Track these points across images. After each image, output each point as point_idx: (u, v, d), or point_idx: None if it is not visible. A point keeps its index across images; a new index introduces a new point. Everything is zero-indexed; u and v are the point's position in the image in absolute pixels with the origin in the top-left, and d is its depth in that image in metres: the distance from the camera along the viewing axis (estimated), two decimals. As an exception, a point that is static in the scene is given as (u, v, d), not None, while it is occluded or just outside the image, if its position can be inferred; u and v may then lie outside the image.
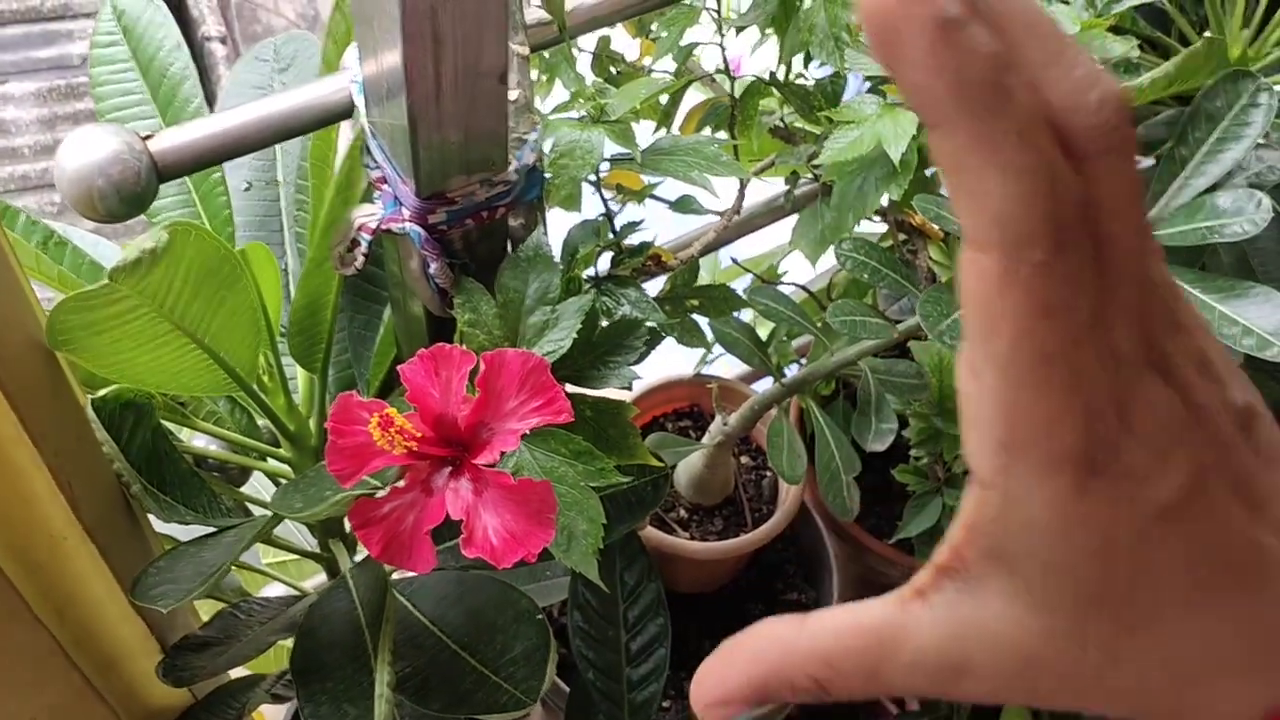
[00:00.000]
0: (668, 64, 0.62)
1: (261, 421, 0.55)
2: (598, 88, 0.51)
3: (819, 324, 0.64)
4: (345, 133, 0.49)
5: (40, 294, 0.41)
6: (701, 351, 0.82)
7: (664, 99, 0.66)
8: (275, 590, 0.65)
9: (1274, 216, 0.48)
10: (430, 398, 0.36)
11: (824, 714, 0.85)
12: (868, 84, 0.60)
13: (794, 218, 0.70)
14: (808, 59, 0.61)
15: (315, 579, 0.67)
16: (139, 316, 0.40)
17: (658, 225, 0.56)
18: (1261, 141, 0.52)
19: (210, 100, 0.65)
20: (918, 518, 0.68)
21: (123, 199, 0.39)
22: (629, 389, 0.46)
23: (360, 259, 0.44)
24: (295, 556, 0.59)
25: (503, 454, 0.36)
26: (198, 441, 0.53)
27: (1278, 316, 0.46)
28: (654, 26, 0.60)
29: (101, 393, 0.43)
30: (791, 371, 0.67)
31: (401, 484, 0.36)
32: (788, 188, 0.68)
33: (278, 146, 0.56)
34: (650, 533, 0.73)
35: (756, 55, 0.71)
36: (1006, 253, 0.19)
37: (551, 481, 0.38)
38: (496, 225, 0.44)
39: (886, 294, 0.76)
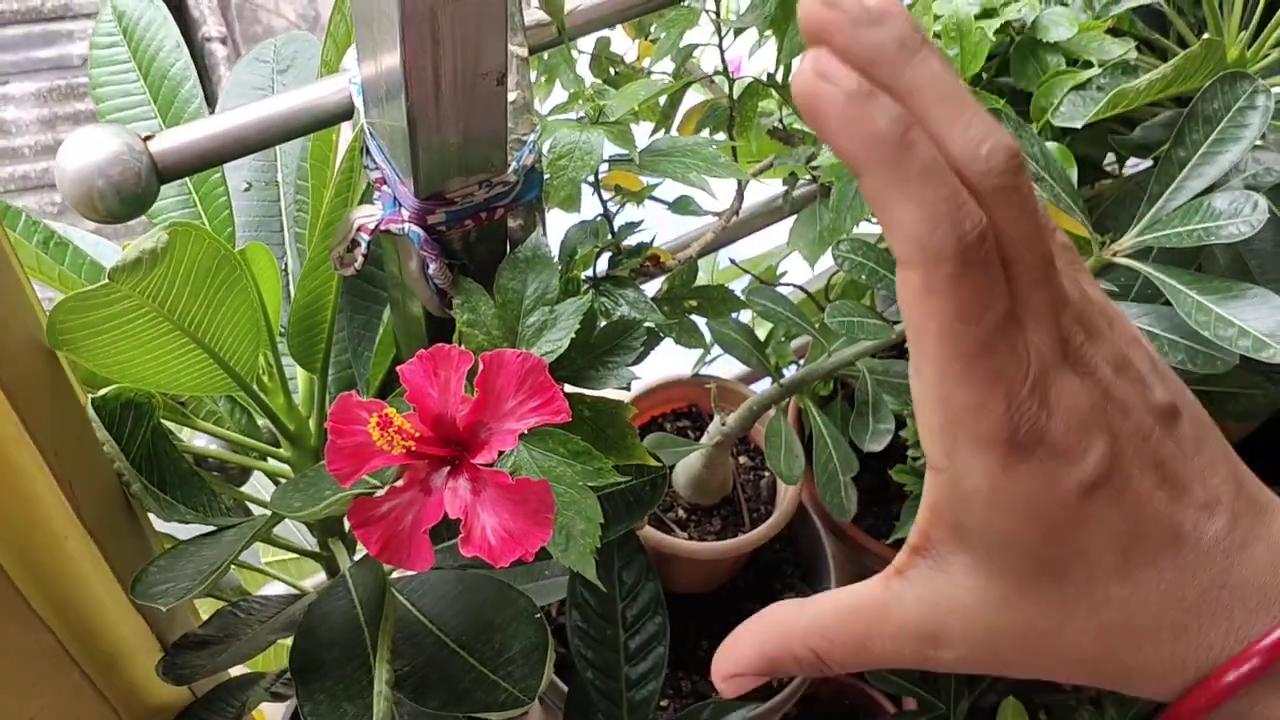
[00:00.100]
0: (667, 65, 0.62)
1: (261, 421, 0.55)
2: (596, 89, 0.51)
3: (817, 325, 0.64)
4: (345, 134, 0.50)
5: (41, 294, 0.41)
6: (700, 352, 0.83)
7: (663, 100, 0.66)
8: (275, 589, 0.65)
9: (1270, 218, 0.48)
10: (429, 397, 0.36)
11: (823, 714, 0.86)
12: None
13: (792, 219, 0.71)
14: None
15: (315, 578, 0.68)
16: (139, 316, 0.40)
17: (657, 226, 0.56)
18: (1258, 143, 0.52)
19: (211, 101, 0.65)
20: (915, 517, 0.68)
21: (123, 200, 0.39)
22: (627, 389, 0.46)
23: (359, 259, 0.44)
24: (295, 555, 0.59)
25: (501, 453, 0.36)
26: (198, 441, 0.54)
27: (1274, 318, 0.46)
28: (653, 28, 0.60)
29: (102, 392, 0.43)
30: (790, 372, 0.67)
31: (400, 483, 0.36)
32: (786, 189, 0.69)
33: (277, 147, 0.56)
34: (648, 532, 0.74)
35: (755, 56, 0.71)
36: (924, 268, 0.24)
37: (549, 481, 0.38)
38: (495, 226, 0.44)
39: (884, 295, 0.76)
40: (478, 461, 0.36)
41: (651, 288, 0.60)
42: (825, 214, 0.64)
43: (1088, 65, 0.57)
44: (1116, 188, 0.63)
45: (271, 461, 0.55)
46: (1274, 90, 0.51)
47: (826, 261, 0.67)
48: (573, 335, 0.42)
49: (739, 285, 0.71)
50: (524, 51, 0.44)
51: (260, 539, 0.46)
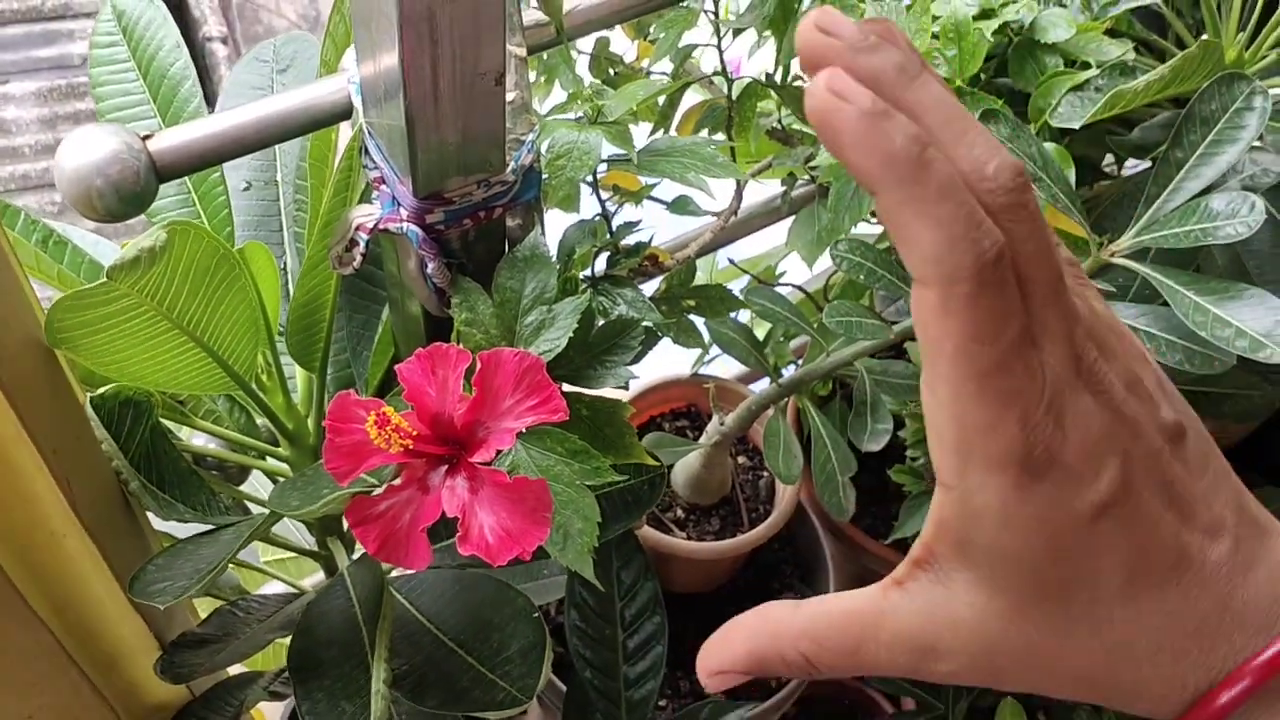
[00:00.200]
0: (666, 66, 0.62)
1: (260, 420, 0.55)
2: (595, 89, 0.51)
3: (815, 325, 0.64)
4: (345, 133, 0.50)
5: (40, 293, 0.41)
6: (699, 352, 0.83)
7: (661, 100, 0.66)
8: (274, 588, 0.65)
9: (1268, 219, 0.48)
10: (427, 396, 0.36)
11: (821, 713, 0.86)
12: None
13: (791, 219, 0.71)
14: (805, 61, 0.61)
15: (314, 577, 0.68)
16: (137, 315, 0.40)
17: (655, 226, 0.56)
18: (1256, 144, 0.52)
19: (211, 100, 0.66)
20: (914, 518, 0.68)
21: (122, 199, 0.39)
22: (625, 388, 0.46)
23: (358, 259, 0.44)
24: (294, 554, 0.59)
25: (499, 452, 0.36)
26: (196, 440, 0.54)
27: (1271, 319, 0.46)
28: (652, 28, 0.61)
29: (100, 391, 0.43)
30: (789, 372, 0.67)
31: (398, 482, 0.36)
32: (784, 189, 0.69)
33: (277, 147, 0.56)
34: (647, 532, 0.74)
35: (754, 57, 0.71)
36: (941, 287, 0.23)
37: (547, 480, 0.38)
38: (494, 225, 0.44)
39: (883, 295, 0.76)
40: (475, 460, 0.36)
41: (650, 288, 0.60)
42: (823, 214, 0.64)
43: (1086, 66, 0.57)
44: (1115, 189, 0.63)
45: (270, 460, 0.55)
46: (1271, 92, 0.51)
47: (825, 262, 0.67)
48: (570, 334, 0.42)
49: (738, 285, 0.71)
50: (522, 51, 0.44)
51: (258, 538, 0.46)
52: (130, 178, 0.39)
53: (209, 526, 0.47)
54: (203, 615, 0.50)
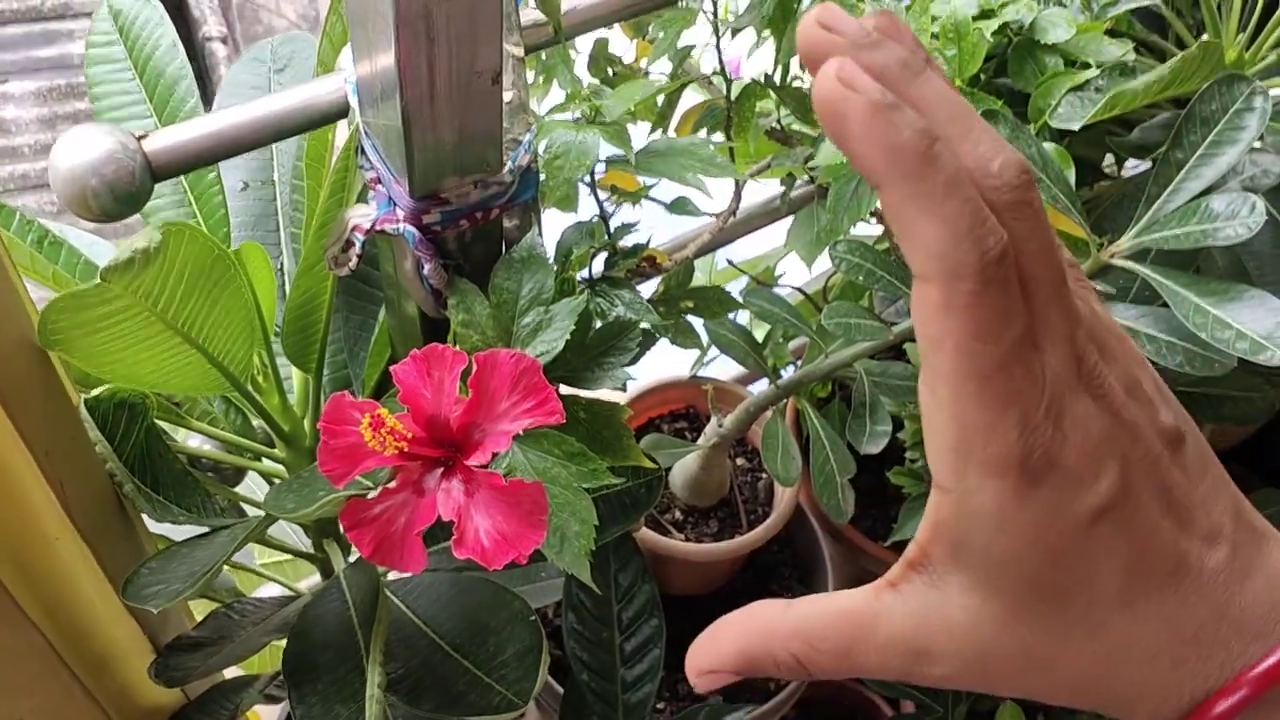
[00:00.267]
0: (664, 66, 0.62)
1: (256, 422, 0.55)
2: (593, 89, 0.51)
3: (814, 326, 0.64)
4: (342, 133, 0.49)
5: (37, 294, 0.41)
6: (698, 353, 0.82)
7: (660, 100, 0.66)
8: (270, 590, 0.65)
9: (1268, 220, 0.48)
10: (422, 398, 0.36)
11: (820, 716, 0.85)
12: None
13: (790, 220, 0.70)
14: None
15: (310, 579, 0.67)
16: (132, 316, 0.40)
17: (654, 226, 0.56)
18: (1256, 145, 0.52)
19: (210, 100, 0.65)
20: (913, 520, 0.68)
21: (116, 198, 0.39)
22: (623, 390, 0.46)
23: (354, 259, 0.44)
24: (290, 557, 0.59)
25: (495, 455, 0.35)
26: (192, 441, 0.53)
27: (1271, 320, 0.46)
28: (651, 28, 0.60)
29: (95, 392, 0.43)
30: (788, 373, 0.67)
31: (393, 485, 0.36)
32: (783, 190, 0.68)
33: (274, 146, 0.56)
34: (645, 534, 0.73)
35: (753, 57, 0.71)
36: (944, 284, 0.23)
37: (544, 483, 0.37)
38: (491, 226, 0.44)
39: (882, 296, 0.76)
40: (471, 463, 0.35)
41: (648, 289, 0.60)
42: (822, 215, 0.64)
43: (1086, 66, 0.57)
44: (1114, 189, 0.62)
45: (266, 462, 0.55)
46: (1271, 92, 0.51)
47: (824, 262, 0.67)
48: (568, 336, 0.42)
49: (737, 286, 0.71)
50: (520, 51, 0.44)
51: (254, 540, 0.45)
52: (125, 177, 0.39)
53: (204, 529, 0.47)
54: (198, 617, 0.50)
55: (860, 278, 0.56)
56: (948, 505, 0.26)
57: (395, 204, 0.42)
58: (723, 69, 0.60)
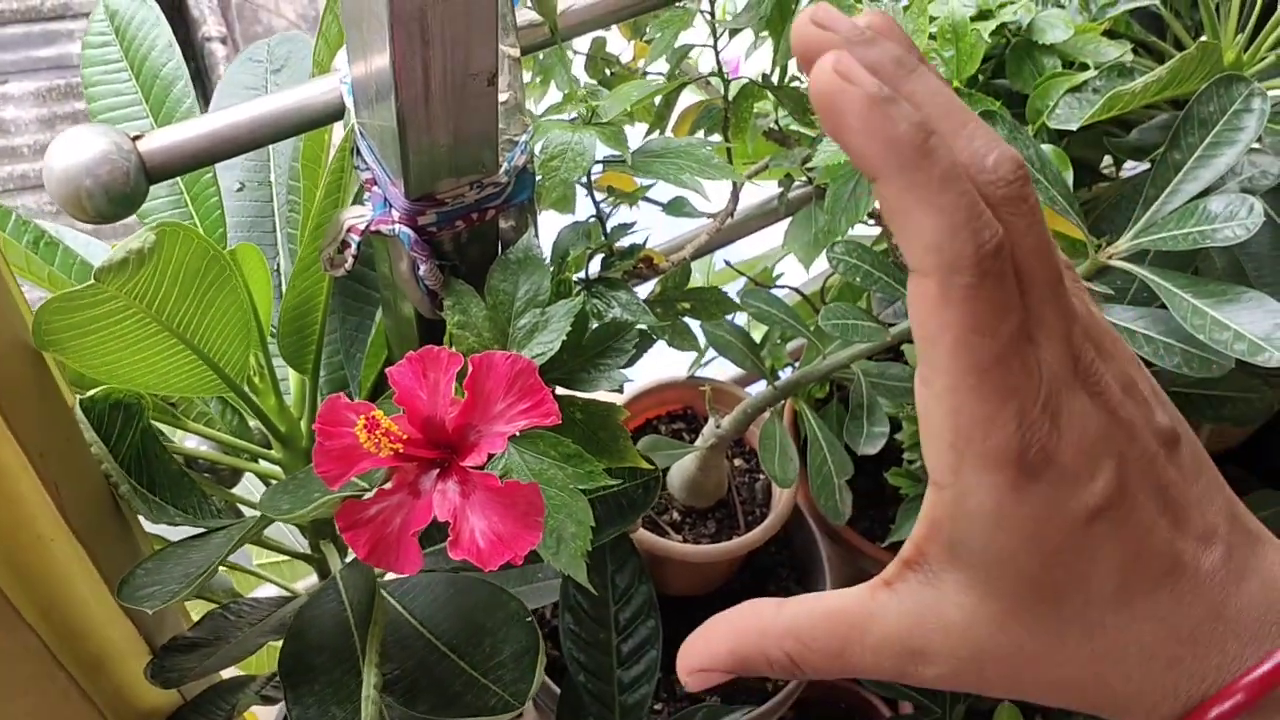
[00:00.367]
0: (662, 66, 0.62)
1: (253, 423, 0.55)
2: (590, 90, 0.51)
3: (812, 327, 0.64)
4: (339, 133, 0.49)
5: (33, 295, 0.41)
6: (695, 354, 0.82)
7: (658, 101, 0.66)
8: (267, 591, 0.65)
9: (1266, 221, 0.48)
10: (418, 400, 0.36)
11: (818, 717, 0.85)
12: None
13: (788, 221, 0.70)
14: (802, 61, 0.61)
15: (307, 580, 0.67)
16: (126, 317, 0.40)
17: (651, 227, 0.56)
18: (1254, 146, 0.52)
19: (209, 100, 0.65)
20: (910, 521, 0.67)
21: (111, 200, 0.39)
22: (620, 391, 0.46)
23: (349, 260, 0.43)
24: (287, 557, 0.59)
25: (491, 456, 0.35)
26: (188, 442, 0.53)
27: (1270, 322, 0.46)
28: (648, 29, 0.60)
29: (90, 393, 0.43)
30: (785, 374, 0.67)
31: (389, 486, 0.36)
32: (781, 191, 0.68)
33: (271, 147, 0.56)
34: (643, 535, 0.73)
35: (751, 57, 0.71)
36: (941, 277, 0.23)
37: (540, 484, 0.37)
38: (486, 227, 0.44)
39: (880, 297, 0.76)
40: (467, 464, 0.35)
41: (645, 290, 0.60)
42: (820, 216, 0.64)
43: (1084, 67, 0.57)
44: (1113, 190, 0.62)
45: (263, 463, 0.55)
46: (1270, 93, 0.51)
47: (822, 264, 0.67)
48: (564, 337, 0.42)
49: (735, 287, 0.71)
50: (516, 52, 0.44)
51: (250, 541, 0.45)
52: (120, 178, 0.39)
53: (200, 530, 0.47)
54: (195, 618, 0.50)
55: (858, 279, 0.56)
56: (944, 502, 0.26)
57: (391, 205, 0.42)
58: (720, 69, 0.60)
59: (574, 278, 0.49)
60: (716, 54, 0.59)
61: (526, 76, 0.63)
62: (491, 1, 0.36)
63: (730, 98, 0.61)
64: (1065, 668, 0.26)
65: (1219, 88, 0.51)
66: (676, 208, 0.57)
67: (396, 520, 0.36)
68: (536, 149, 0.46)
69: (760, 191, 0.71)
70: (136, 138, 0.40)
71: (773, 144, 0.66)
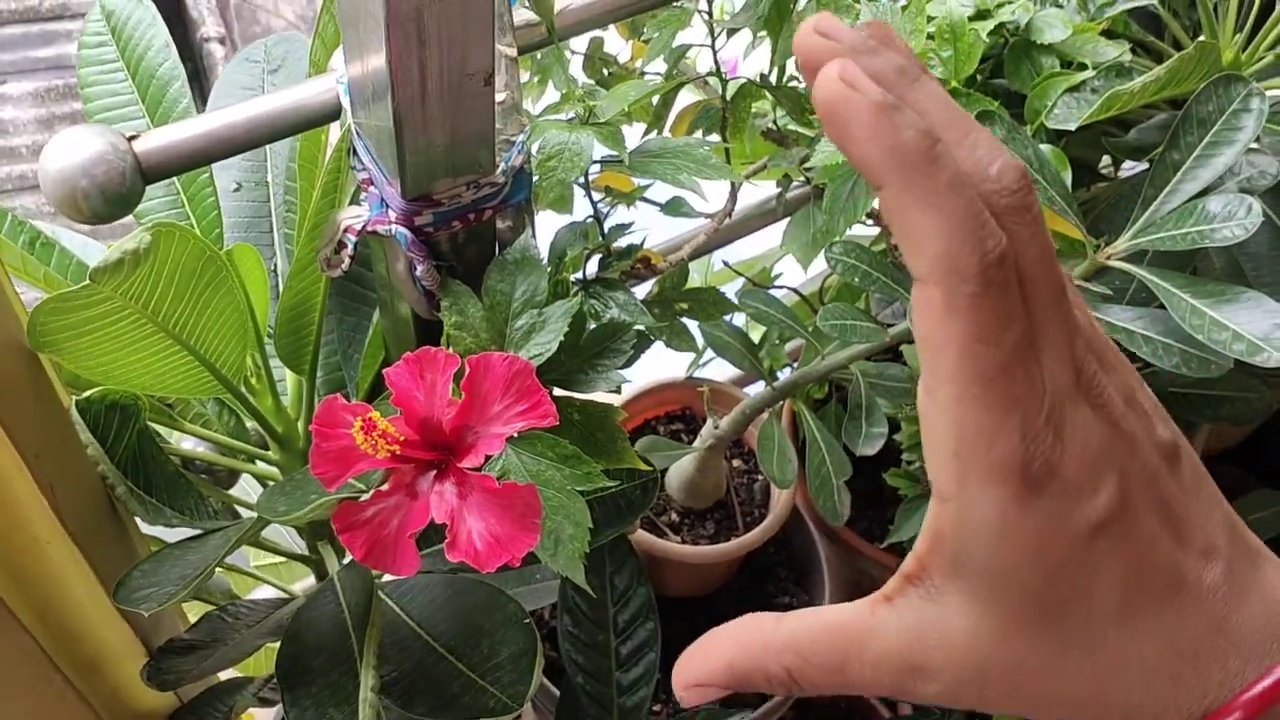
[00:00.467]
0: (660, 66, 0.61)
1: (250, 424, 0.55)
2: (587, 89, 0.51)
3: (810, 328, 0.64)
4: (335, 134, 0.49)
5: (29, 295, 0.41)
6: (694, 355, 0.82)
7: (655, 101, 0.66)
8: (265, 593, 0.64)
9: (1265, 221, 0.48)
10: (415, 401, 0.36)
11: (817, 719, 0.85)
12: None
13: (786, 221, 0.70)
14: (800, 61, 0.61)
15: (305, 581, 0.67)
16: (122, 318, 0.39)
17: (649, 228, 0.55)
18: (1253, 146, 0.52)
19: (207, 101, 0.65)
20: (909, 521, 0.67)
21: (107, 200, 0.39)
22: (618, 392, 0.46)
23: (346, 261, 0.43)
24: (284, 559, 0.59)
25: (488, 458, 0.35)
26: (185, 444, 0.53)
27: (1269, 322, 0.46)
28: (646, 28, 0.60)
29: (86, 394, 0.43)
30: (784, 375, 0.67)
31: (385, 487, 0.36)
32: (779, 191, 0.68)
33: (268, 147, 0.56)
34: (641, 536, 0.73)
35: (750, 57, 0.71)
36: (947, 286, 0.23)
37: (538, 485, 0.37)
38: (483, 227, 0.44)
39: (879, 298, 0.76)
40: (464, 465, 0.35)
41: (643, 290, 0.60)
42: (819, 216, 0.64)
43: (1082, 67, 0.57)
44: (1111, 191, 0.62)
45: (260, 464, 0.55)
46: (1268, 93, 0.51)
47: (820, 264, 0.67)
48: (561, 338, 0.42)
49: (733, 287, 0.71)
50: (513, 52, 0.43)
51: (247, 543, 0.45)
52: (115, 179, 0.39)
53: (197, 531, 0.47)
54: (192, 620, 0.50)
55: (856, 279, 0.56)
56: (948, 515, 0.25)
57: (387, 205, 0.42)
58: (718, 69, 0.60)
59: (571, 278, 0.49)
60: (714, 54, 0.59)
61: (524, 76, 0.63)
62: (488, 1, 0.36)
63: (728, 98, 0.61)
64: (1067, 683, 0.26)
65: (1217, 87, 0.51)
66: (674, 208, 0.57)
67: (394, 522, 0.36)
68: (534, 149, 0.46)
69: (758, 192, 0.71)
70: (132, 138, 0.40)
71: (771, 144, 0.66)
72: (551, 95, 0.62)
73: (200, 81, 2.34)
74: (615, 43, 0.66)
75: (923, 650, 0.26)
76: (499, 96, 0.41)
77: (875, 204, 0.57)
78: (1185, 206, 0.50)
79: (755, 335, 0.72)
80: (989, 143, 0.25)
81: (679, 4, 0.57)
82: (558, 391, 0.44)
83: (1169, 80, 0.52)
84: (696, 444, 0.71)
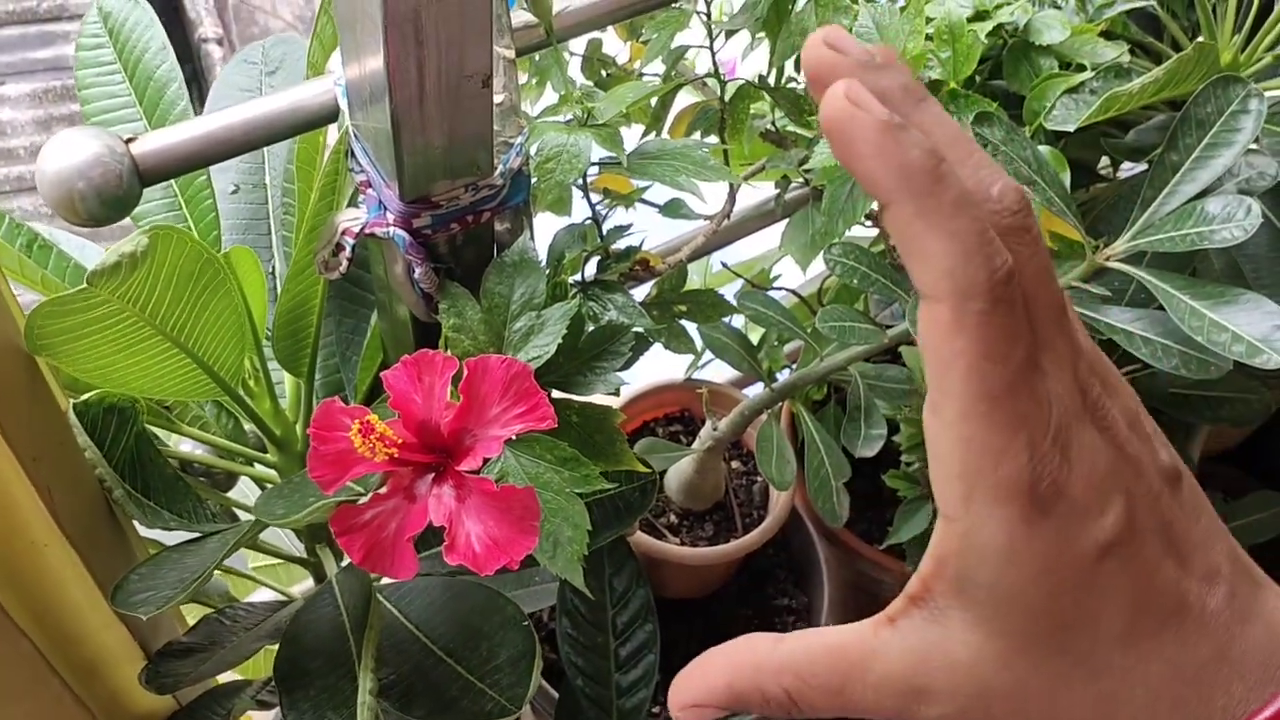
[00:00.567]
0: (658, 67, 0.61)
1: (248, 426, 0.55)
2: (586, 91, 0.51)
3: (809, 329, 0.64)
4: (333, 136, 0.49)
5: (26, 298, 0.41)
6: (692, 356, 0.82)
7: (654, 102, 0.66)
8: (263, 595, 0.64)
9: (1264, 223, 0.48)
10: (413, 403, 0.36)
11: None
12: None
13: (785, 222, 0.70)
14: (799, 63, 0.61)
15: (303, 583, 0.67)
16: (119, 321, 0.39)
17: (648, 229, 0.55)
18: (1252, 147, 0.52)
19: (204, 102, 0.65)
20: (908, 523, 0.67)
21: (104, 202, 0.39)
22: (616, 394, 0.46)
23: (344, 263, 0.43)
24: (283, 561, 0.59)
25: (486, 460, 0.35)
26: (183, 446, 0.53)
27: (1268, 323, 0.46)
28: (644, 30, 0.60)
29: (84, 397, 0.43)
30: (783, 377, 0.67)
31: (384, 490, 0.36)
32: (778, 192, 0.68)
33: (265, 150, 0.56)
34: (640, 538, 0.73)
35: (748, 59, 0.71)
36: (955, 302, 0.23)
37: (536, 488, 0.37)
38: (482, 230, 0.44)
39: (877, 299, 0.76)
40: (462, 468, 0.35)
41: (641, 292, 0.60)
42: (817, 217, 0.64)
43: (1081, 68, 0.57)
44: (1110, 192, 0.62)
45: (258, 467, 0.54)
46: (1267, 94, 0.51)
47: (819, 265, 0.67)
48: (560, 340, 0.42)
49: (732, 289, 0.71)
50: (511, 53, 0.43)
51: (245, 546, 0.45)
52: (112, 181, 0.39)
53: (195, 534, 0.47)
54: (190, 623, 0.50)
55: (855, 281, 0.56)
56: (954, 536, 0.25)
57: (385, 207, 0.42)
58: (717, 71, 0.60)
59: (570, 280, 0.49)
60: (713, 55, 0.59)
61: (522, 78, 0.62)
62: (486, 3, 0.36)
63: (727, 99, 0.61)
64: (1071, 708, 0.25)
65: (1216, 89, 0.51)
66: (673, 209, 0.57)
67: (392, 525, 0.36)
68: (532, 151, 0.46)
69: (757, 193, 0.71)
70: (130, 140, 0.40)
71: (769, 145, 0.66)
72: (550, 97, 0.62)
73: (198, 83, 2.34)
74: (614, 44, 0.66)
75: (926, 672, 0.26)
76: (497, 98, 0.41)
77: (874, 206, 0.57)
78: (1184, 208, 0.50)
79: (754, 337, 0.71)
80: (990, 165, 0.25)
81: (677, 5, 0.57)
82: (556, 394, 0.44)
83: (1168, 81, 0.52)
84: (695, 446, 0.71)
